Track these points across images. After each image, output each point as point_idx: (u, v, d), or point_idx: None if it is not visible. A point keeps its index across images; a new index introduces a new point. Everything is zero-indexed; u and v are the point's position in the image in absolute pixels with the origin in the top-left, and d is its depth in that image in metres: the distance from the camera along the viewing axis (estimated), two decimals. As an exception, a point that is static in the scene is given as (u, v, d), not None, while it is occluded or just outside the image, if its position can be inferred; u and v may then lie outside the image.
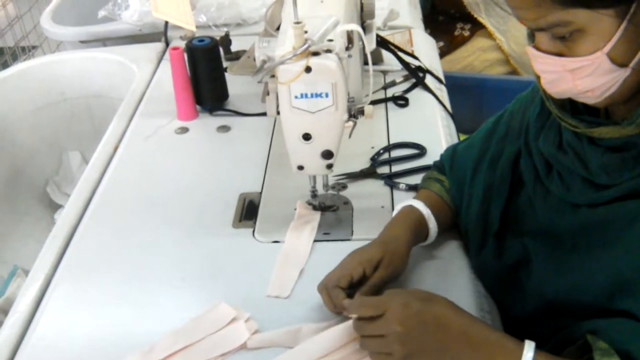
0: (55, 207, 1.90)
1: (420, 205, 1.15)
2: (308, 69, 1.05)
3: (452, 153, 1.23)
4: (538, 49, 0.88)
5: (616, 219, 0.89)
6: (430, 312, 0.90)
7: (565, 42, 0.84)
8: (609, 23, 0.81)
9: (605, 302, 0.88)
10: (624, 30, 0.81)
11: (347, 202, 1.29)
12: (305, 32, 1.04)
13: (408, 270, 1.12)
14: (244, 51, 1.84)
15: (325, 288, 1.04)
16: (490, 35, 2.42)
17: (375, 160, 1.40)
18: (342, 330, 0.99)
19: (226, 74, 1.66)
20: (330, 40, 1.08)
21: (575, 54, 0.84)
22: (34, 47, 2.80)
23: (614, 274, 0.87)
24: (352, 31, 1.13)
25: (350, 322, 0.97)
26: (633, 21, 0.80)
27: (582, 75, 0.85)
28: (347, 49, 1.13)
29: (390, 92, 1.64)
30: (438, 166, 1.26)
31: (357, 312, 0.94)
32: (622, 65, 0.83)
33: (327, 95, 1.08)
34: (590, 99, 0.89)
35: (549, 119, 1.01)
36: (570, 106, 0.95)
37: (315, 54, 1.06)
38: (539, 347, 0.86)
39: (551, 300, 0.97)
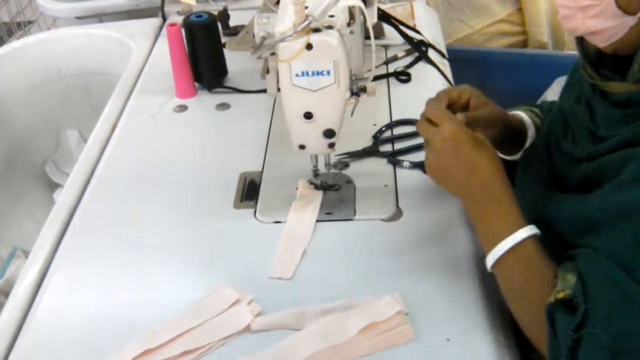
0: (54, 186, 1.88)
1: (523, 115, 1.22)
2: (309, 46, 1.03)
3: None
4: None
5: (606, 170, 0.93)
6: (469, 151, 0.99)
7: None
8: None
9: (576, 239, 0.93)
10: None
11: (349, 181, 1.28)
12: (306, 8, 1.02)
13: (409, 252, 1.11)
14: (242, 26, 1.81)
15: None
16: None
17: (378, 138, 1.38)
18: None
19: (224, 50, 1.64)
20: (332, 16, 1.05)
21: None
22: (29, 23, 2.76)
23: (586, 213, 0.93)
24: (353, 6, 1.11)
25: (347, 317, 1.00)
26: None
27: (590, 15, 0.91)
28: (349, 24, 1.11)
29: (392, 67, 1.61)
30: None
31: (426, 112, 1.06)
32: (629, 12, 0.88)
33: (328, 73, 1.06)
34: (598, 41, 0.94)
35: (577, 75, 1.08)
36: (596, 61, 1.00)
37: (316, 30, 1.04)
38: None
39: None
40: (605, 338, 0.83)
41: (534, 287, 0.94)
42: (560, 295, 0.87)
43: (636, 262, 0.85)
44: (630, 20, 0.89)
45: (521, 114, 1.23)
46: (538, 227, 0.98)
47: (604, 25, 0.91)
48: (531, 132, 1.21)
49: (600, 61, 1.00)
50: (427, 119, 1.05)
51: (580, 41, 1.01)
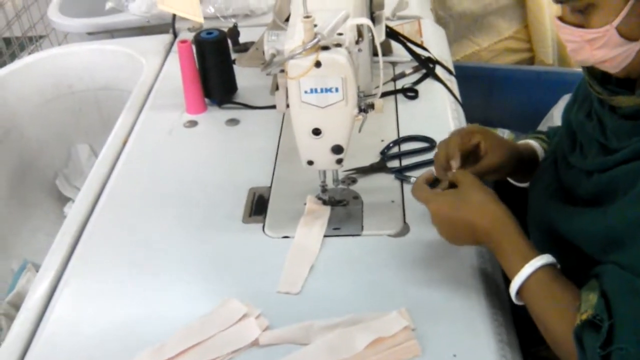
0: (65, 200, 1.90)
1: (534, 143, 1.26)
2: (318, 64, 1.04)
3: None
4: (562, 20, 0.98)
5: (620, 181, 0.95)
6: (457, 217, 1.05)
7: (584, 15, 0.94)
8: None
9: (599, 255, 0.95)
10: (632, 6, 0.89)
11: (357, 197, 1.29)
12: (315, 25, 1.03)
13: (416, 268, 1.13)
14: (252, 42, 1.82)
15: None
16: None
17: (385, 154, 1.39)
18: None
19: (234, 66, 1.65)
20: (340, 34, 1.07)
21: (590, 25, 0.94)
22: (41, 37, 2.79)
23: (607, 229, 0.94)
24: (362, 24, 1.12)
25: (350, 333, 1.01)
26: None
27: (596, 46, 0.94)
28: (357, 42, 1.12)
29: (400, 84, 1.62)
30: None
31: (413, 194, 1.12)
32: (632, 39, 0.92)
33: (337, 90, 1.07)
34: (610, 69, 0.98)
35: (587, 92, 1.09)
36: (602, 78, 1.03)
37: (325, 48, 1.05)
38: None
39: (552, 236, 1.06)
40: (634, 352, 0.84)
41: (554, 313, 0.95)
42: (584, 316, 0.89)
43: None
44: (636, 46, 0.92)
45: (532, 143, 1.26)
46: (557, 242, 1.01)
47: (612, 54, 0.94)
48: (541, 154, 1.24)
49: (607, 77, 1.02)
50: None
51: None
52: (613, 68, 0.97)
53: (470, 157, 1.16)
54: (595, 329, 0.88)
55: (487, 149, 1.16)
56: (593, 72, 1.04)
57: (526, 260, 0.98)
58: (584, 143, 1.06)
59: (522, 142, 1.27)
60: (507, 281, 1.13)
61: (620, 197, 0.94)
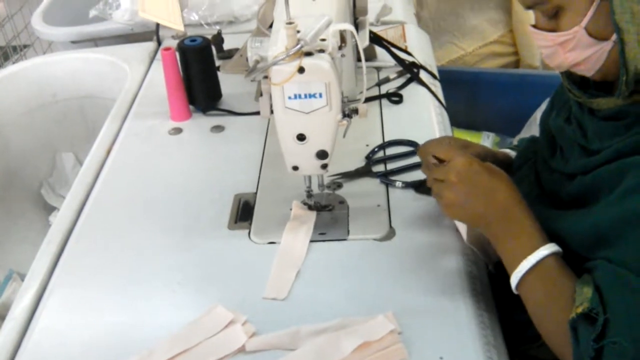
0: (50, 209, 1.89)
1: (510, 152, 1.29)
2: (301, 70, 1.05)
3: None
4: (535, 27, 1.01)
5: (604, 180, 0.96)
6: (485, 179, 1.02)
7: (555, 20, 0.97)
8: (584, 0, 0.93)
9: (587, 252, 0.96)
10: (598, 6, 0.92)
11: (342, 202, 1.29)
12: (298, 32, 1.04)
13: (402, 272, 1.13)
14: (236, 49, 1.82)
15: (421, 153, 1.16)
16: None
17: (370, 159, 1.39)
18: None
19: (219, 73, 1.65)
20: (323, 40, 1.07)
21: (560, 29, 0.96)
22: (25, 47, 2.78)
23: (593, 227, 0.95)
24: (345, 30, 1.13)
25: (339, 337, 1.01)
26: None
27: (568, 48, 0.96)
28: (340, 48, 1.12)
29: (384, 89, 1.63)
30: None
31: (432, 152, 1.09)
32: (602, 38, 0.94)
33: (320, 95, 1.08)
34: (585, 72, 0.99)
35: (565, 97, 1.12)
36: (581, 83, 1.05)
37: (308, 54, 1.05)
38: None
39: None
40: (627, 346, 0.85)
41: (556, 303, 0.95)
42: (579, 309, 0.89)
43: None
44: (606, 46, 0.94)
45: (508, 151, 1.30)
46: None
47: (584, 56, 0.96)
48: None
49: (585, 82, 1.03)
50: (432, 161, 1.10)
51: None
52: (588, 70, 0.99)
53: None
54: (590, 322, 0.88)
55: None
56: (572, 78, 1.06)
57: (539, 243, 0.98)
58: (564, 147, 1.08)
59: (500, 150, 1.31)
60: (493, 283, 1.14)
61: (604, 196, 0.95)
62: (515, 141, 2.10)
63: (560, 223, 1.01)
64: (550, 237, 1.00)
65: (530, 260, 0.97)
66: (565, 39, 0.96)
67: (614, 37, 0.92)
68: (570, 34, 0.95)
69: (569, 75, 1.06)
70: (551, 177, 1.10)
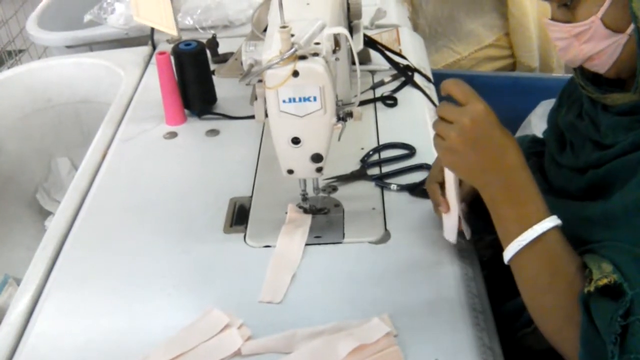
0: (46, 214, 1.89)
1: None
2: (295, 73, 1.05)
3: None
4: (551, 19, 1.01)
5: (618, 173, 0.95)
6: (498, 134, 0.95)
7: (570, 10, 0.97)
8: None
9: (589, 237, 0.94)
10: None
11: (338, 205, 1.29)
12: (292, 35, 1.04)
13: (398, 274, 1.13)
14: (231, 53, 1.83)
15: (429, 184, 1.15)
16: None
17: (365, 162, 1.40)
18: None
19: (214, 77, 1.66)
20: (317, 44, 1.08)
21: (576, 19, 0.96)
22: (20, 52, 2.78)
23: (603, 212, 0.94)
24: (339, 34, 1.13)
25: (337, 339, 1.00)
26: None
27: (583, 40, 0.96)
28: (334, 51, 1.13)
29: (379, 92, 1.63)
30: None
31: (450, 90, 0.99)
32: (618, 31, 0.93)
33: (315, 99, 1.08)
34: (599, 67, 0.99)
35: (575, 94, 1.12)
36: (593, 80, 1.05)
37: (302, 57, 1.06)
38: None
39: None
40: None
41: (557, 279, 0.92)
42: (603, 281, 0.85)
43: None
44: (622, 38, 0.94)
45: None
46: None
47: (599, 48, 0.96)
48: None
49: (597, 79, 1.04)
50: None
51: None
52: (602, 65, 0.98)
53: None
54: (611, 298, 0.85)
55: None
56: (585, 75, 1.06)
57: (544, 215, 0.93)
58: (575, 143, 1.08)
59: None
60: (489, 285, 1.14)
61: (619, 187, 0.94)
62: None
63: (567, 210, 0.98)
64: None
65: (536, 230, 0.92)
66: (581, 30, 0.96)
67: (630, 30, 0.93)
68: (586, 25, 0.95)
69: (581, 72, 1.06)
70: (560, 172, 1.09)
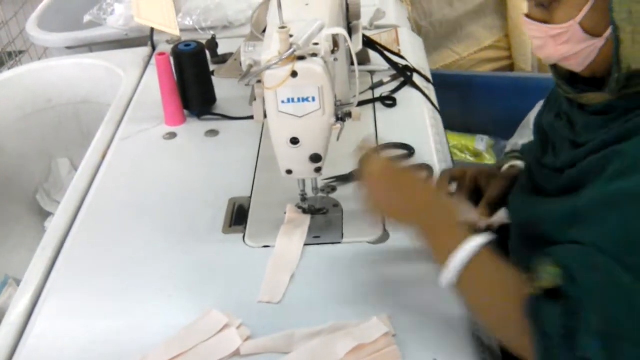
0: (46, 214, 1.89)
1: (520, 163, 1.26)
2: (294, 74, 1.05)
3: None
4: (528, 16, 1.00)
5: (590, 171, 0.95)
6: (405, 176, 1.06)
7: (548, 11, 0.96)
8: None
9: (556, 236, 0.94)
10: (594, 2, 0.92)
11: (336, 205, 1.29)
12: (291, 36, 1.04)
13: (396, 274, 1.14)
14: (231, 54, 1.83)
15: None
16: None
17: (364, 162, 1.39)
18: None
19: (213, 78, 1.66)
20: (316, 44, 1.08)
21: (554, 21, 0.96)
22: (20, 53, 2.79)
23: (572, 208, 0.94)
24: (337, 34, 1.13)
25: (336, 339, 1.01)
26: None
27: (561, 42, 0.97)
28: (333, 52, 1.13)
29: (378, 93, 1.64)
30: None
31: (362, 146, 1.12)
32: (596, 35, 0.94)
33: (313, 99, 1.08)
34: (574, 66, 0.99)
35: (555, 94, 1.14)
36: (570, 78, 1.05)
37: (301, 58, 1.06)
38: None
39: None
40: (599, 323, 0.83)
41: (502, 289, 0.94)
42: (546, 283, 0.88)
43: (623, 249, 0.86)
44: (598, 42, 0.94)
45: (517, 164, 1.26)
46: (524, 229, 1.02)
47: (576, 50, 0.96)
48: None
49: (574, 78, 1.04)
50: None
51: (554, 64, 1.06)
52: (577, 65, 0.99)
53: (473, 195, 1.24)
54: (554, 300, 0.87)
55: (486, 185, 1.23)
56: (560, 73, 1.06)
57: (468, 236, 0.95)
58: (555, 143, 1.08)
59: (507, 165, 1.27)
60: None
61: (588, 184, 0.94)
62: (509, 145, 2.11)
63: (539, 207, 1.02)
64: (527, 221, 1.02)
65: (467, 250, 0.94)
66: (559, 32, 0.96)
67: (607, 34, 0.93)
68: (564, 28, 0.95)
69: (558, 71, 1.06)
70: (542, 173, 1.10)
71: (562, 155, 1.05)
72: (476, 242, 0.95)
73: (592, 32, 0.94)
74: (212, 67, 1.76)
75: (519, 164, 1.26)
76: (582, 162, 0.98)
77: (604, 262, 0.86)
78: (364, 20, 1.72)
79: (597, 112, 0.99)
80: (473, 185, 1.25)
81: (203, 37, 1.81)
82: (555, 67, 1.06)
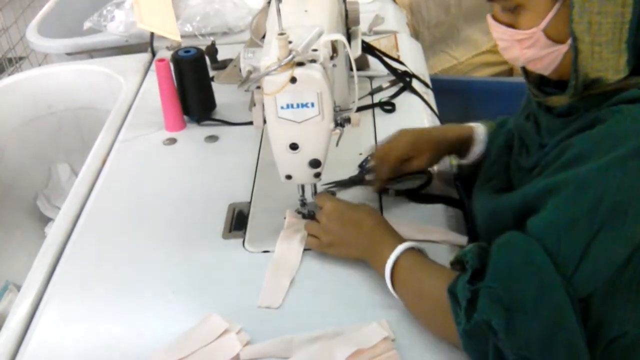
0: (46, 220, 1.89)
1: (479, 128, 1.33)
2: (293, 80, 1.06)
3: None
4: (494, 18, 1.02)
5: (547, 165, 0.98)
6: (352, 213, 1.17)
7: (514, 15, 0.98)
8: (545, 2, 0.94)
9: (519, 227, 0.97)
10: (557, 10, 0.93)
11: (336, 210, 1.30)
12: (290, 42, 1.05)
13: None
14: (230, 60, 1.84)
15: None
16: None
17: (364, 167, 1.40)
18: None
19: (213, 83, 1.67)
20: (315, 50, 1.08)
21: (519, 26, 0.98)
22: (20, 59, 2.80)
23: (522, 199, 0.99)
24: (336, 40, 1.14)
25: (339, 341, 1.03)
26: (566, 3, 0.92)
27: (525, 46, 0.98)
28: (332, 58, 1.14)
29: (377, 98, 1.64)
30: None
31: (317, 201, 1.22)
32: (560, 41, 0.95)
33: (312, 105, 1.09)
34: (541, 70, 1.01)
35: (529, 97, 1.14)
36: (540, 82, 1.07)
37: (300, 64, 1.07)
38: None
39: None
40: (502, 294, 0.90)
41: (429, 283, 1.03)
42: (451, 259, 1.01)
43: (548, 232, 0.91)
44: (563, 48, 0.96)
45: (474, 128, 1.34)
46: (490, 225, 1.06)
47: (540, 55, 0.98)
48: (479, 140, 1.32)
49: (545, 80, 1.06)
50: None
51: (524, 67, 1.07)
52: (544, 69, 1.00)
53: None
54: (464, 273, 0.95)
55: (414, 156, 1.29)
56: (531, 77, 1.08)
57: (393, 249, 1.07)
58: (528, 144, 1.10)
59: (469, 124, 1.35)
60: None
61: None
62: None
63: (499, 202, 1.06)
64: (490, 217, 1.08)
65: (389, 264, 1.06)
66: (523, 38, 0.97)
67: (570, 41, 0.94)
68: (528, 34, 0.96)
69: (528, 73, 1.08)
70: (518, 173, 1.12)
71: (531, 157, 1.07)
72: (398, 249, 1.06)
73: (555, 39, 0.96)
74: (211, 73, 1.77)
75: (476, 128, 1.33)
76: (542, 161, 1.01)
77: (523, 241, 0.92)
78: (363, 26, 1.72)
79: (561, 114, 1.01)
80: (398, 163, 1.30)
81: (203, 44, 1.82)
82: (525, 70, 1.08)
